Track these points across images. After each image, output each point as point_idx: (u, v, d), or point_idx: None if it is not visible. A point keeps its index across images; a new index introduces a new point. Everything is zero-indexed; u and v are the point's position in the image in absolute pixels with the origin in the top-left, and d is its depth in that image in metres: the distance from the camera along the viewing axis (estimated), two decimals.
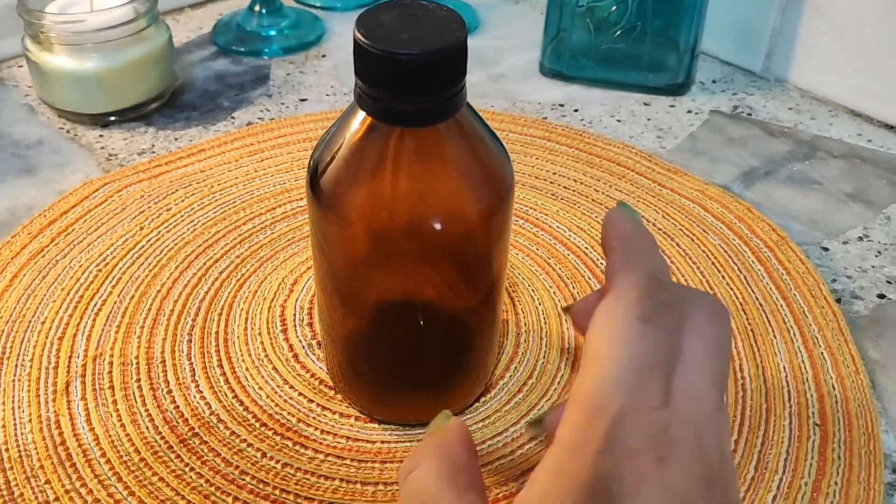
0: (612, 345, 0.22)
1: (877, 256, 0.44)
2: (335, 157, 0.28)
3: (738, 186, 0.49)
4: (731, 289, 0.41)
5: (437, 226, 0.28)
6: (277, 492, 0.31)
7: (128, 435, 0.33)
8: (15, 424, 0.33)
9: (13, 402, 0.34)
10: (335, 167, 0.28)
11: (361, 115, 0.27)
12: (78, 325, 0.38)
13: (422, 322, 0.32)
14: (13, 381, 0.35)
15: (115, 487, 0.31)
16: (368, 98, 0.26)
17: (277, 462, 0.32)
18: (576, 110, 0.56)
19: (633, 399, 0.21)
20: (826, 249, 0.44)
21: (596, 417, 0.20)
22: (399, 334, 0.32)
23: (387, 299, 0.32)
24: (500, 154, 0.29)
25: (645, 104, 0.56)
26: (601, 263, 0.42)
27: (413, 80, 0.26)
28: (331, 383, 0.35)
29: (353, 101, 0.28)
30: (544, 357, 0.37)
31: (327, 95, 0.56)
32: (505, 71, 0.60)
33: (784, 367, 0.37)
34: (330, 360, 0.35)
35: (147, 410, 0.34)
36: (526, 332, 0.38)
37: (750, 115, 0.56)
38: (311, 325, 0.38)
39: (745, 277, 0.42)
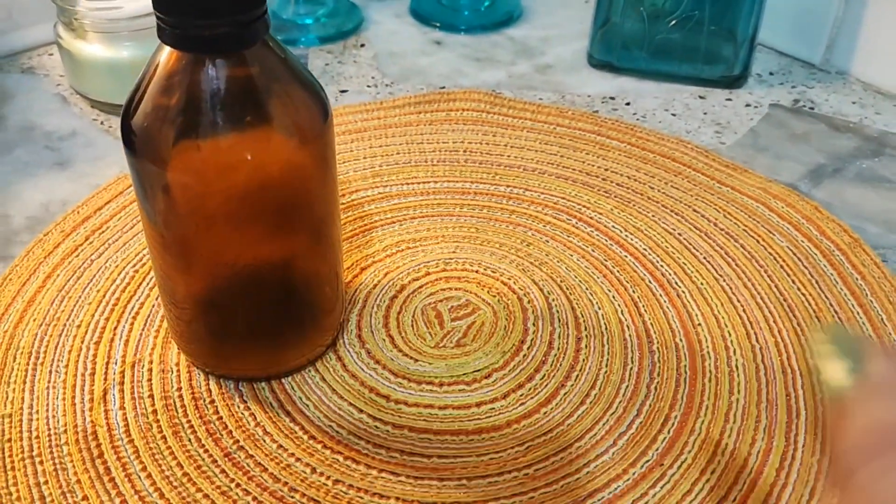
0: None
1: None
2: (143, 98, 0.28)
3: (806, 185, 0.46)
4: (803, 294, 0.38)
5: (249, 157, 0.28)
6: None
7: (169, 447, 0.31)
8: (50, 435, 0.31)
9: (48, 410, 0.32)
10: (143, 109, 0.28)
11: (166, 50, 0.28)
12: (115, 329, 0.36)
13: (256, 274, 0.32)
14: (47, 388, 0.33)
15: None
16: (167, 28, 0.27)
17: (328, 478, 0.30)
18: (627, 103, 0.53)
19: None
20: None
21: None
22: (235, 288, 0.32)
23: (217, 251, 0.31)
24: (312, 87, 0.30)
25: (700, 97, 0.54)
26: (660, 266, 0.40)
27: (208, 4, 0.26)
28: (382, 391, 0.33)
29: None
30: (606, 366, 0.35)
31: (368, 87, 0.54)
32: (551, 62, 0.58)
33: None
34: (170, 321, 0.34)
35: (189, 421, 0.32)
36: (587, 336, 0.36)
37: (812, 109, 0.53)
38: (359, 335, 0.36)
39: (816, 282, 0.39)
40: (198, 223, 0.30)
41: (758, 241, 0.41)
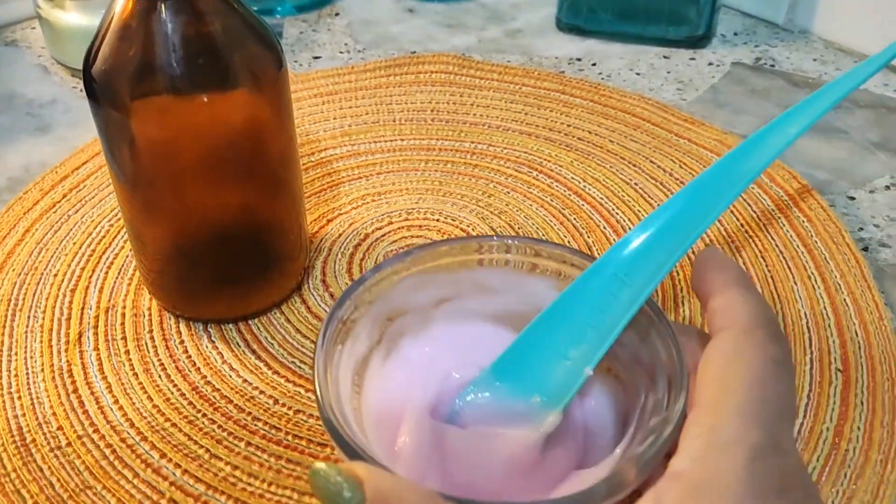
0: (747, 382, 0.22)
1: None
2: (102, 46, 0.29)
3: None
4: (750, 237, 0.40)
5: (206, 100, 0.30)
6: (290, 437, 0.31)
7: (140, 383, 0.33)
8: (28, 374, 0.33)
9: (26, 352, 0.34)
10: (102, 56, 0.29)
11: None
12: (90, 277, 0.38)
13: (220, 222, 0.34)
14: (26, 331, 0.35)
15: (128, 433, 0.31)
16: None
17: (290, 409, 0.32)
18: (594, 64, 0.55)
19: (771, 439, 0.21)
20: (852, 199, 0.43)
21: (730, 451, 0.21)
22: (201, 236, 0.34)
23: (180, 199, 0.33)
24: (265, 36, 0.31)
25: (665, 57, 0.55)
26: (616, 213, 0.42)
27: None
28: None
29: None
30: None
31: (341, 53, 0.56)
32: (521, 26, 0.59)
33: (805, 314, 0.36)
34: (141, 269, 0.35)
35: (160, 360, 0.34)
36: None
37: (773, 66, 0.54)
38: (323, 280, 0.38)
39: (764, 225, 0.41)
40: (160, 171, 0.32)
41: None
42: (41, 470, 0.30)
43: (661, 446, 0.24)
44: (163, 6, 0.29)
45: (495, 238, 0.32)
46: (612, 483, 0.23)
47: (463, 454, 0.29)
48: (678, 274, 0.38)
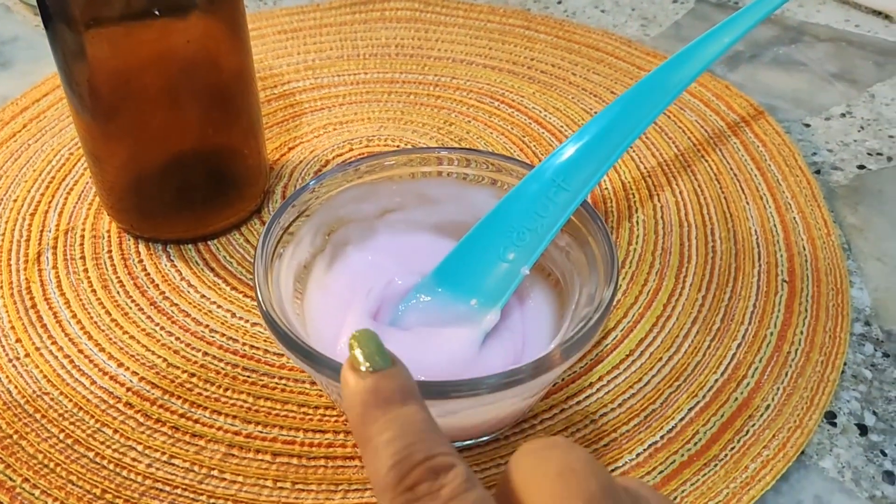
0: None
1: (859, 132, 0.43)
2: None
3: (722, 69, 0.48)
4: (706, 160, 0.40)
5: (160, 19, 0.30)
6: (246, 347, 0.31)
7: (98, 300, 0.33)
8: None
9: None
10: None
11: None
12: (50, 202, 0.38)
13: (178, 146, 0.34)
14: None
15: (86, 345, 0.31)
16: None
17: (247, 322, 0.32)
18: (559, 2, 0.55)
19: None
20: (808, 126, 0.44)
21: None
22: (159, 159, 0.34)
23: (136, 121, 0.33)
24: None
25: None
26: None
27: None
28: None
29: None
30: None
31: None
32: None
33: (755, 231, 0.37)
34: (100, 192, 0.36)
35: (118, 278, 0.34)
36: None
37: (737, 3, 0.54)
38: (284, 195, 0.38)
39: (720, 150, 0.41)
40: (117, 95, 0.32)
41: (668, 117, 0.43)
42: (0, 380, 0.30)
43: (588, 331, 0.25)
44: None
45: (439, 150, 0.32)
46: (539, 363, 0.24)
47: (405, 354, 0.29)
48: (629, 183, 0.38)
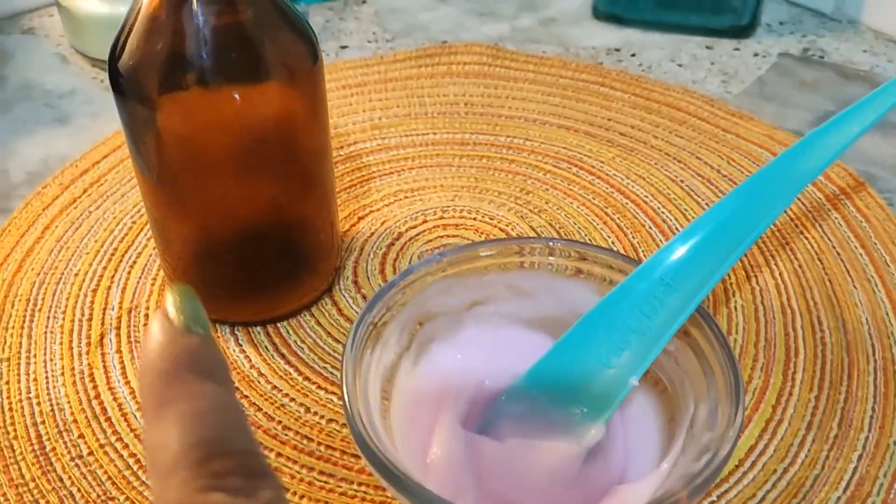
0: None
1: None
2: (129, 38, 0.28)
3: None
4: (806, 237, 0.38)
5: (237, 96, 0.28)
6: (322, 448, 0.29)
7: None
8: (47, 378, 0.32)
9: (45, 354, 0.33)
10: (129, 49, 0.28)
11: None
12: (112, 277, 0.36)
13: (249, 220, 0.32)
14: (45, 332, 0.33)
15: None
16: None
17: (322, 418, 0.30)
18: (633, 55, 0.52)
19: None
20: None
21: None
22: (228, 235, 0.32)
23: (208, 197, 0.31)
24: (301, 27, 0.29)
25: (707, 48, 0.53)
26: (662, 212, 0.39)
27: None
28: None
29: None
30: None
31: (369, 42, 0.54)
32: (555, 15, 0.57)
33: (866, 320, 0.34)
34: (165, 269, 0.34)
35: None
36: None
37: (822, 58, 0.52)
38: (355, 281, 0.36)
39: (820, 225, 0.38)
40: (187, 167, 0.30)
41: None
42: (61, 480, 0.28)
43: (717, 467, 0.22)
44: None
45: (537, 240, 0.30)
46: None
47: (499, 467, 0.27)
48: (729, 274, 0.36)
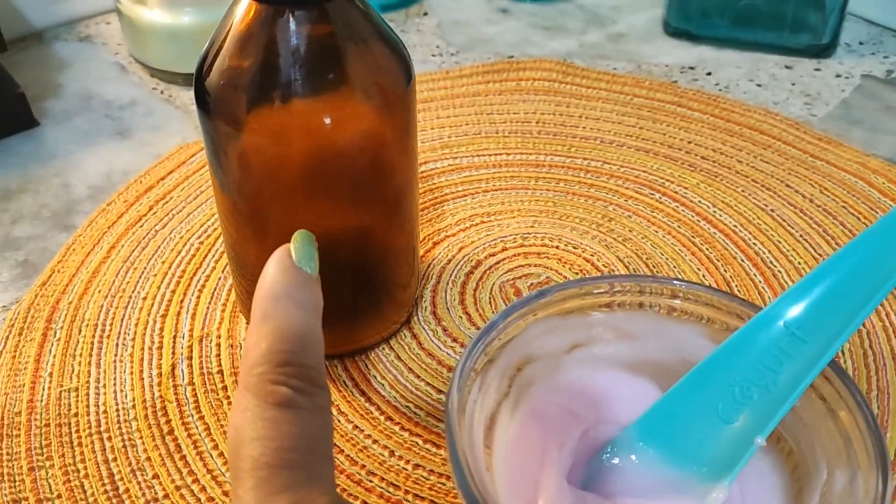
0: None
1: None
2: (217, 57, 0.27)
3: None
4: None
5: (328, 120, 0.27)
6: (410, 496, 0.27)
7: None
8: (118, 410, 0.30)
9: (115, 384, 0.31)
10: (218, 68, 0.26)
11: (243, 4, 0.26)
12: (181, 302, 0.34)
13: (331, 245, 0.30)
14: (114, 361, 0.32)
15: (231, 485, 0.28)
16: None
17: (408, 462, 0.28)
18: (708, 73, 0.50)
19: None
20: None
21: None
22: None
23: (291, 220, 0.29)
24: (396, 46, 0.28)
25: (786, 67, 0.51)
26: (753, 244, 0.37)
27: None
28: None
29: None
30: None
31: (433, 56, 0.52)
32: (624, 30, 0.55)
33: None
34: (239, 294, 0.33)
35: None
36: None
37: None
38: (434, 312, 0.34)
39: None
40: (273, 190, 0.29)
41: (858, 219, 0.39)
42: None
43: None
44: (291, 14, 0.25)
45: (630, 277, 0.28)
46: None
47: None
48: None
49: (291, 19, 0.26)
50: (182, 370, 0.32)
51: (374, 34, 0.27)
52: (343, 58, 0.27)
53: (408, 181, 0.31)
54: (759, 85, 0.49)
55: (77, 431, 0.29)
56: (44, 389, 0.31)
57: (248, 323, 0.33)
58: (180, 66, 0.48)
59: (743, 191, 0.40)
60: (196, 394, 0.31)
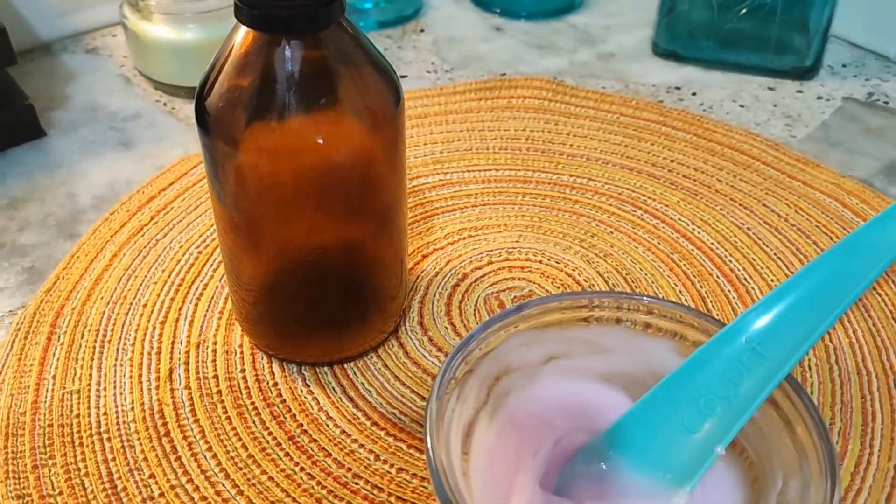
0: None
1: None
2: (217, 78, 0.28)
3: (881, 181, 0.44)
4: (879, 294, 0.37)
5: (321, 140, 0.28)
6: (393, 499, 0.29)
7: (234, 429, 0.31)
8: (117, 412, 0.32)
9: (115, 387, 0.33)
10: (218, 89, 0.28)
11: (242, 31, 0.28)
12: (180, 309, 0.36)
13: (323, 257, 0.32)
14: (115, 365, 0.34)
15: (223, 485, 0.29)
16: (244, 7, 0.27)
17: (392, 466, 0.30)
18: (693, 94, 0.52)
19: None
20: None
21: None
22: (301, 271, 0.33)
23: (285, 234, 0.31)
24: (385, 71, 0.30)
25: (769, 89, 0.52)
26: (729, 261, 0.39)
27: None
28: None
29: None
30: None
31: (428, 73, 0.54)
32: (614, 50, 0.57)
33: None
34: (235, 303, 0.34)
35: (253, 403, 0.32)
36: None
37: (887, 103, 0.51)
38: (421, 323, 0.36)
39: (894, 282, 0.38)
40: (267, 204, 0.30)
41: (831, 238, 0.40)
42: None
43: None
44: (287, 41, 0.27)
45: (607, 294, 0.30)
46: None
47: None
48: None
49: (287, 46, 0.27)
50: (179, 374, 0.33)
51: (364, 59, 0.29)
52: (335, 82, 0.29)
53: (397, 197, 0.32)
54: (742, 105, 0.51)
55: (78, 432, 0.31)
56: (47, 391, 0.32)
57: (242, 330, 0.35)
58: (183, 80, 0.50)
59: (721, 209, 0.42)
60: (192, 398, 0.32)
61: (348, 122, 0.29)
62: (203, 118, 0.29)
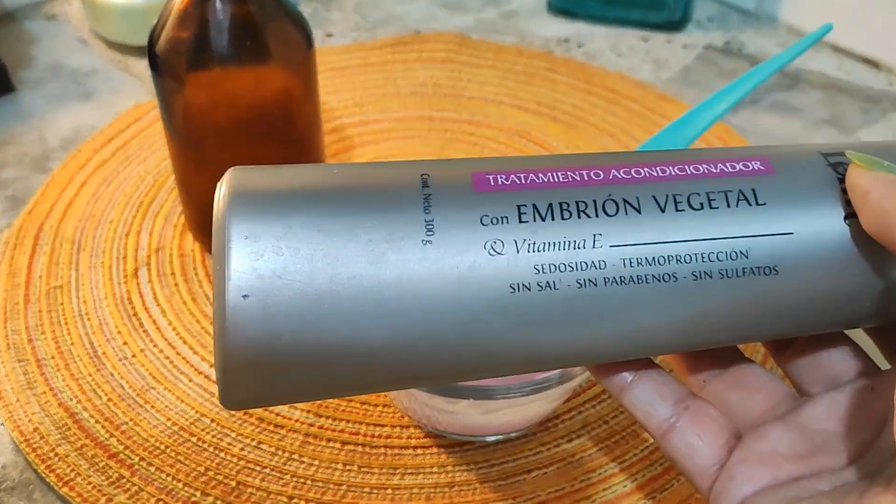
0: None
1: None
2: (164, 28, 0.35)
3: (726, 113, 0.54)
4: None
5: (249, 78, 0.36)
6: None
7: (190, 310, 0.39)
8: (94, 301, 0.40)
9: (91, 283, 0.41)
10: (165, 37, 0.35)
11: None
12: (141, 224, 0.44)
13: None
14: (90, 267, 0.41)
15: (182, 348, 0.37)
16: None
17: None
18: (580, 45, 0.61)
19: None
20: None
21: None
22: None
23: (223, 154, 0.39)
24: (298, 21, 0.38)
25: (644, 40, 0.61)
26: None
27: None
28: None
29: None
30: None
31: (352, 31, 0.62)
32: (515, 8, 0.65)
33: None
34: (187, 215, 0.42)
35: (205, 292, 0.40)
36: None
37: (740, 50, 0.60)
38: None
39: None
40: (207, 132, 0.38)
41: None
42: (112, 375, 0.36)
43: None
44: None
45: None
46: (564, 373, 0.30)
47: None
48: None
49: (218, 2, 0.35)
50: (143, 272, 0.41)
51: (280, 9, 0.37)
52: (258, 30, 0.37)
53: (313, 127, 0.40)
54: (619, 55, 0.60)
55: (63, 315, 0.39)
56: (36, 287, 0.40)
57: (194, 238, 0.42)
58: (134, 40, 0.57)
59: (592, 137, 0.51)
60: (154, 288, 0.40)
61: (269, 61, 0.37)
62: (154, 61, 0.36)
